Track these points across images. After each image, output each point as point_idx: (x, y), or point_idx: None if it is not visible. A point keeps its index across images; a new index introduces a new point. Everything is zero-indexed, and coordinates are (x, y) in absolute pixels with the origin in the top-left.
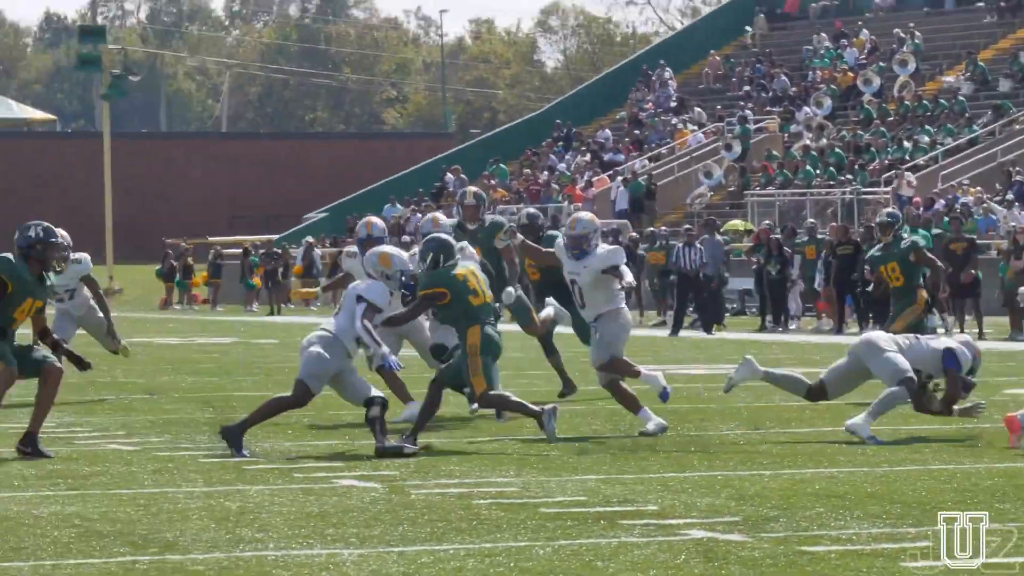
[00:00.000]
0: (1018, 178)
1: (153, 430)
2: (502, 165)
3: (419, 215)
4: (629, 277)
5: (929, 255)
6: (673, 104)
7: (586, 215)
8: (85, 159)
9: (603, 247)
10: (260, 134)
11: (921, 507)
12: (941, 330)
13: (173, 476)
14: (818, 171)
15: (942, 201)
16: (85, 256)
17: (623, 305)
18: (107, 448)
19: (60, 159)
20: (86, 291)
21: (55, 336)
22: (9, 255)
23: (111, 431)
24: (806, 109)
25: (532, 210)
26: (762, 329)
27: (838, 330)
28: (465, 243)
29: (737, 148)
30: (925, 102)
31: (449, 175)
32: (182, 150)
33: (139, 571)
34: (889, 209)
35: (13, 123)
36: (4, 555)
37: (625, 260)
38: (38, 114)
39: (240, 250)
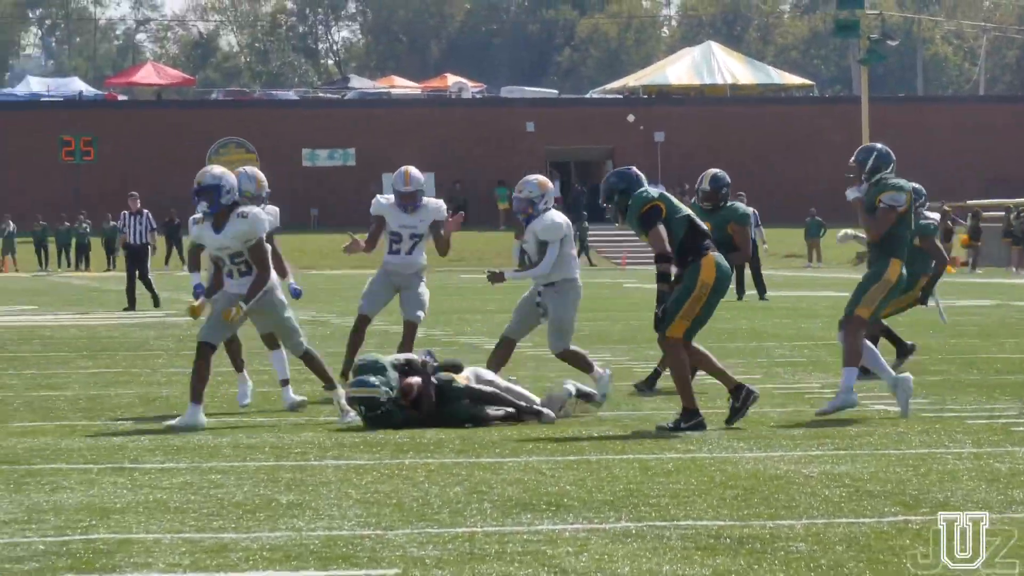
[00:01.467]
0: None
1: (919, 391)
2: None
3: None
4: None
5: None
6: None
7: (534, 178)
8: (842, 124)
9: (549, 217)
10: (1018, 97)
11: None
12: None
13: (940, 437)
14: None
15: None
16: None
17: (576, 275)
18: (873, 408)
19: (817, 124)
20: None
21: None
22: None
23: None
24: None
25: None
26: None
27: None
28: None
29: None
30: None
31: None
32: (939, 114)
33: (911, 532)
34: None
35: (771, 88)
36: (776, 512)
37: (564, 235)
38: (795, 79)
39: (1002, 212)
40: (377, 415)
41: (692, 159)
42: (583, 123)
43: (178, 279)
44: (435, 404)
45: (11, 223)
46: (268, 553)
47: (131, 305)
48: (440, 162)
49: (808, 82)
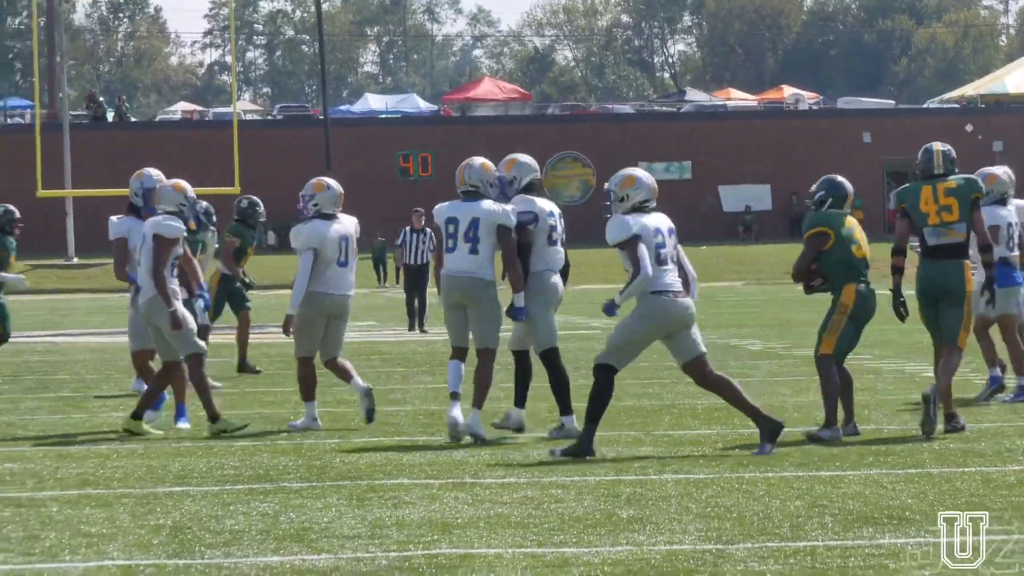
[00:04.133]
0: None
1: None
2: None
3: None
4: None
5: None
6: None
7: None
8: None
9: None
10: None
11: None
12: None
13: None
14: None
15: None
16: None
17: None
18: None
19: None
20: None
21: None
22: None
23: None
24: None
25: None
26: None
27: None
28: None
29: None
30: None
31: None
32: None
33: None
34: None
35: None
36: None
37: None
38: None
39: None
40: None
41: None
42: (920, 133)
43: None
44: None
45: None
46: (609, 568)
47: (411, 325)
48: (777, 174)
49: None
